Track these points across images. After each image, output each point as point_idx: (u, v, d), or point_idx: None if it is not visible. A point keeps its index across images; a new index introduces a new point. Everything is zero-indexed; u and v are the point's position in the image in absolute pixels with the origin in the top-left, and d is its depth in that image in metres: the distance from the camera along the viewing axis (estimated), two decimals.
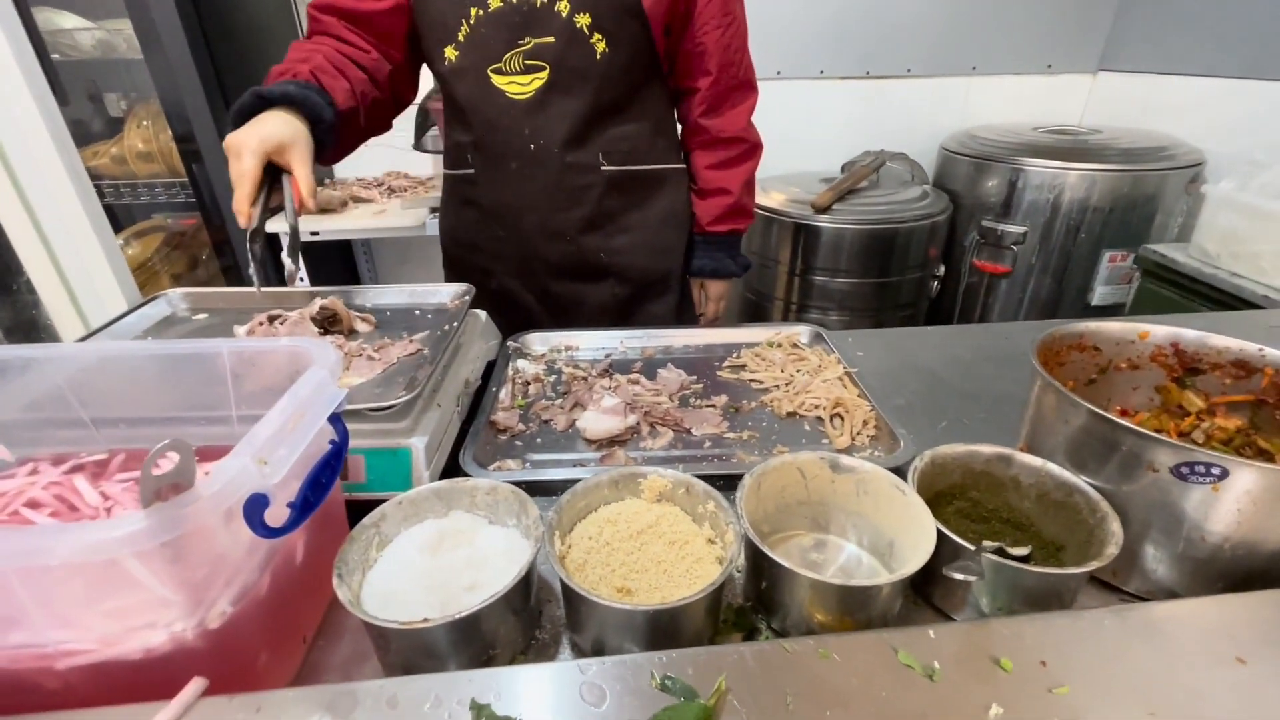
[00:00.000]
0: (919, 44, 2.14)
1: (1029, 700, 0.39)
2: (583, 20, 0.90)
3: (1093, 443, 0.54)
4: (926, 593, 0.54)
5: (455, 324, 0.75)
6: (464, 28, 0.92)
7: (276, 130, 0.77)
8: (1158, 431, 0.65)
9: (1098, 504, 0.52)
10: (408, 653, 0.46)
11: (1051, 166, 1.78)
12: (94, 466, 0.56)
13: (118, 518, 0.35)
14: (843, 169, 2.20)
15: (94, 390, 0.58)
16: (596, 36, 0.91)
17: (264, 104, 0.79)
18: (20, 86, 0.69)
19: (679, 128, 1.13)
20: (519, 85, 0.94)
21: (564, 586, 0.47)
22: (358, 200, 1.79)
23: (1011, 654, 0.41)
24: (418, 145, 1.87)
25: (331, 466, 0.48)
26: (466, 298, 0.83)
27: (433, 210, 1.75)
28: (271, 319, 0.74)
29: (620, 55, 0.93)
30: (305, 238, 1.65)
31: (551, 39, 0.91)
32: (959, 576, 0.46)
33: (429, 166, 2.14)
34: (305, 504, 0.44)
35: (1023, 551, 0.55)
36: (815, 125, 2.21)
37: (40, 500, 0.52)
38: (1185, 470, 0.48)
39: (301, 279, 0.69)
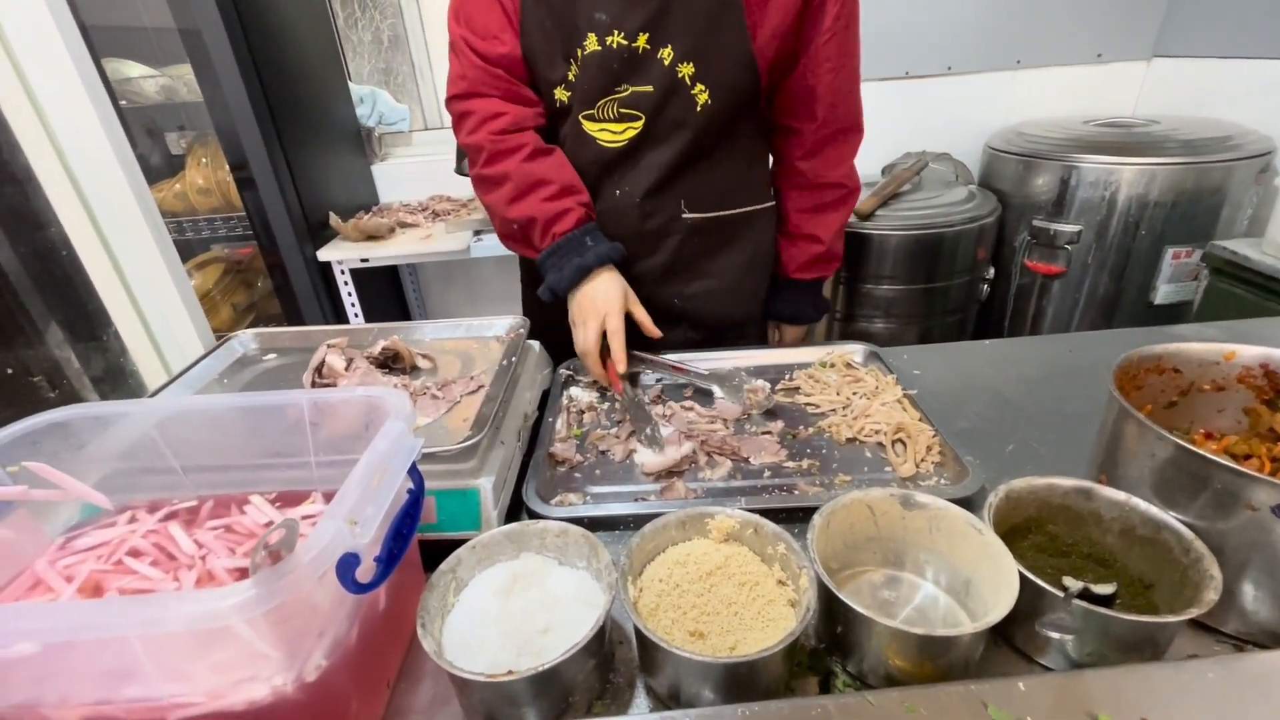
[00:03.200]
0: (959, 40, 2.08)
1: None
2: (685, 70, 0.85)
3: (1181, 477, 0.51)
4: (1008, 634, 0.53)
5: (513, 359, 0.77)
6: (573, 68, 0.88)
7: (620, 285, 0.88)
8: (1247, 456, 0.62)
9: (1191, 543, 0.49)
10: (491, 701, 0.47)
11: (1106, 162, 1.71)
12: (186, 513, 0.59)
13: (228, 587, 0.36)
14: (883, 172, 2.15)
15: (183, 440, 0.61)
16: (699, 88, 0.86)
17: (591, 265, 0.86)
18: (104, 145, 0.74)
19: (770, 160, 1.06)
20: (611, 133, 0.90)
21: (641, 635, 0.47)
22: (404, 226, 1.84)
23: (1110, 708, 0.40)
24: (459, 169, 1.92)
25: (411, 516, 0.50)
26: (522, 330, 0.85)
27: (476, 233, 1.78)
28: (319, 371, 0.75)
29: (722, 105, 0.88)
30: (355, 264, 1.71)
31: (650, 88, 0.86)
32: (1055, 635, 0.44)
33: (469, 189, 2.19)
34: (390, 556, 0.46)
35: (1108, 589, 0.53)
36: None
37: (141, 549, 0.55)
38: None
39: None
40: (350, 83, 2.02)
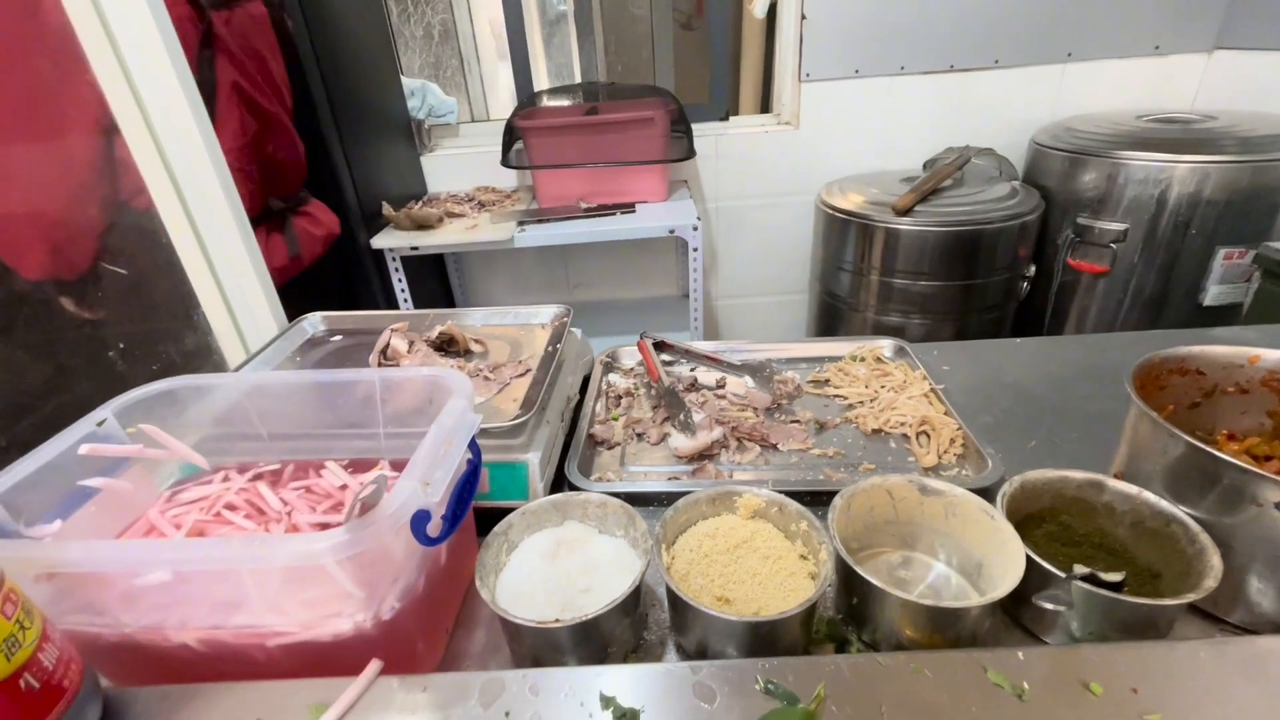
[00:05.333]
0: (1007, 33, 2.05)
1: None
2: None
3: (1192, 474, 0.54)
4: (1016, 614, 0.56)
5: (558, 345, 0.83)
6: None
7: None
8: (1267, 458, 0.64)
9: (1197, 535, 0.52)
10: (538, 647, 0.53)
11: (1158, 159, 1.67)
12: (270, 475, 0.67)
13: (324, 533, 0.43)
14: (925, 166, 2.14)
15: (268, 409, 0.68)
16: None
17: None
18: (193, 131, 0.82)
19: None
20: None
21: (673, 596, 0.52)
22: (451, 215, 1.92)
23: (1102, 679, 0.43)
24: (504, 161, 1.99)
25: (470, 483, 0.56)
26: (565, 319, 0.90)
27: (520, 223, 1.85)
28: (384, 353, 0.82)
29: None
30: (407, 253, 1.80)
31: None
32: (1048, 606, 0.48)
33: (513, 180, 2.26)
34: (454, 516, 0.52)
35: (1116, 578, 0.56)
36: (895, 123, 2.16)
37: (235, 504, 0.62)
38: None
39: None
40: (402, 76, 2.10)
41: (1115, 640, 0.50)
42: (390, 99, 2.02)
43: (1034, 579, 0.51)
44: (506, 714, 0.45)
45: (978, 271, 1.84)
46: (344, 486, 0.64)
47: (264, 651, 0.51)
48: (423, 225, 1.81)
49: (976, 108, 2.13)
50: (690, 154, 1.93)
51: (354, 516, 0.44)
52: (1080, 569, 0.53)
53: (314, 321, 0.95)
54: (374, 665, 0.48)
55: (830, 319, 2.15)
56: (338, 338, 0.94)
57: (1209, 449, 0.51)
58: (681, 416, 0.83)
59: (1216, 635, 0.54)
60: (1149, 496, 0.56)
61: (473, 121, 2.34)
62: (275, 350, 0.89)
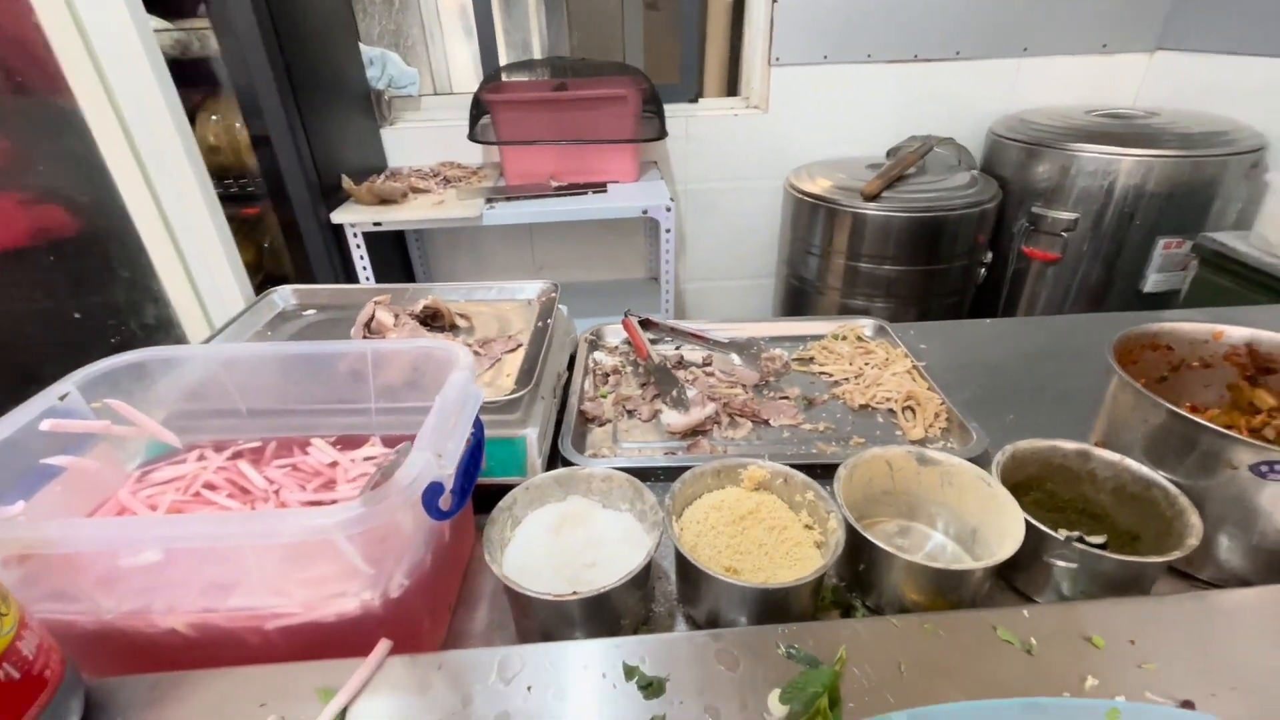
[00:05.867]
0: (968, 25, 2.11)
1: (1121, 673, 0.43)
2: None
3: (1171, 440, 0.57)
4: (1009, 576, 0.59)
5: (549, 320, 0.81)
6: None
7: None
8: (1228, 428, 0.68)
9: (1176, 498, 0.55)
10: (550, 621, 0.52)
11: (1106, 152, 1.76)
12: (251, 453, 0.63)
13: (335, 506, 0.41)
14: (888, 154, 2.19)
15: (248, 383, 0.64)
16: None
17: None
18: (156, 96, 0.75)
19: None
20: None
21: (686, 566, 0.52)
22: (416, 191, 1.85)
23: (1103, 633, 0.46)
24: (472, 136, 1.93)
25: (475, 458, 0.54)
26: (553, 294, 0.88)
27: (488, 200, 1.80)
28: (368, 326, 0.79)
29: None
30: (369, 228, 1.72)
31: None
32: (1060, 564, 0.50)
33: (479, 156, 2.19)
34: (463, 490, 0.50)
35: (1099, 540, 0.60)
36: (861, 110, 2.20)
37: (215, 483, 0.59)
38: (1264, 469, 0.51)
39: None
40: (360, 44, 2.00)
41: (1101, 598, 0.53)
42: (348, 66, 1.93)
43: (1028, 541, 0.53)
44: (529, 688, 0.44)
45: (939, 257, 1.90)
46: (334, 463, 0.61)
47: (260, 635, 0.48)
48: (386, 200, 1.73)
49: (938, 98, 2.19)
50: (662, 134, 1.92)
51: (372, 489, 0.42)
52: (1065, 533, 0.56)
53: (284, 295, 0.90)
54: (384, 644, 0.46)
55: (797, 302, 2.19)
56: (310, 312, 0.89)
57: (1190, 416, 0.54)
58: (674, 393, 0.82)
59: (1190, 591, 0.58)
60: (1130, 463, 0.59)
61: (435, 94, 2.25)
62: (243, 325, 0.84)
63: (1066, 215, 1.85)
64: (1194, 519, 0.53)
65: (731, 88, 2.45)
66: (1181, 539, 0.52)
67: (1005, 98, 2.19)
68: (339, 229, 1.73)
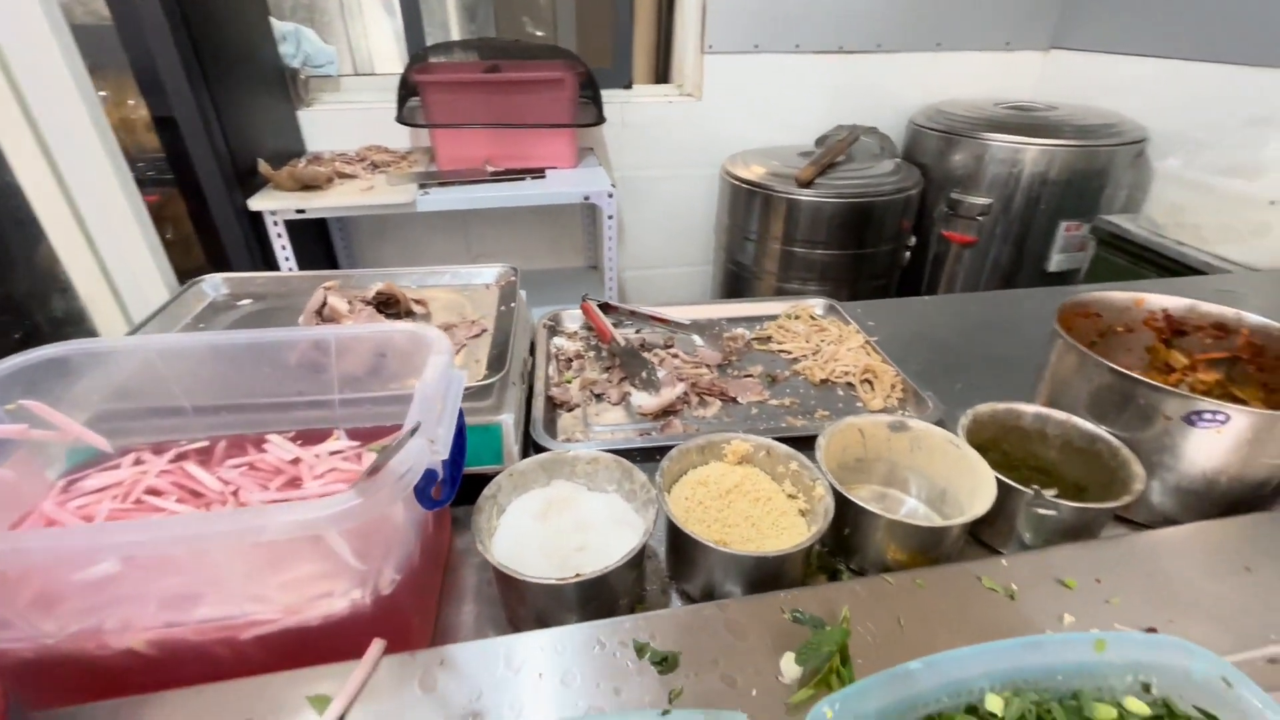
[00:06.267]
0: (888, 20, 2.20)
1: (1092, 609, 0.47)
2: None
3: (1113, 397, 0.62)
4: (976, 531, 0.62)
5: (512, 304, 0.78)
6: None
7: None
8: None
9: (1118, 449, 0.60)
10: (547, 606, 0.50)
11: (1014, 141, 1.89)
12: (197, 454, 0.57)
13: (328, 498, 0.37)
14: (817, 142, 2.26)
15: (190, 377, 0.58)
16: None
17: None
18: (58, 63, 0.66)
19: None
20: None
21: (681, 539, 0.52)
22: (342, 176, 1.74)
23: (1072, 575, 0.49)
24: (400, 117, 1.83)
25: (460, 445, 0.52)
26: (513, 278, 0.86)
27: (421, 185, 1.72)
28: (320, 312, 0.74)
29: None
30: (291, 216, 1.61)
31: None
32: (1043, 512, 0.54)
33: (406, 140, 2.09)
34: (453, 479, 0.48)
35: (1052, 493, 0.64)
36: (791, 99, 2.26)
37: (160, 488, 0.53)
38: (1195, 417, 0.57)
39: None
40: (271, 18, 1.85)
41: (1058, 544, 0.57)
42: (259, 41, 1.78)
43: (996, 499, 0.56)
44: (540, 675, 0.42)
45: (868, 241, 1.98)
46: (296, 460, 0.56)
47: (232, 648, 0.44)
48: (309, 185, 1.62)
49: (862, 88, 2.28)
50: (600, 119, 1.89)
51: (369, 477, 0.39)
52: (1022, 488, 0.60)
53: (215, 284, 0.82)
54: (378, 644, 0.44)
55: (735, 288, 2.23)
56: (246, 301, 0.82)
57: (1132, 374, 0.59)
58: (644, 374, 0.82)
59: (1130, 532, 0.63)
60: (1078, 421, 0.64)
61: (355, 75, 2.12)
62: (169, 316, 0.76)
63: (981, 200, 1.98)
64: (1137, 468, 0.58)
65: (659, 75, 2.45)
66: (1127, 486, 0.57)
67: (923, 89, 2.31)
68: (256, 217, 1.60)
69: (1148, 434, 0.60)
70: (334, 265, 2.20)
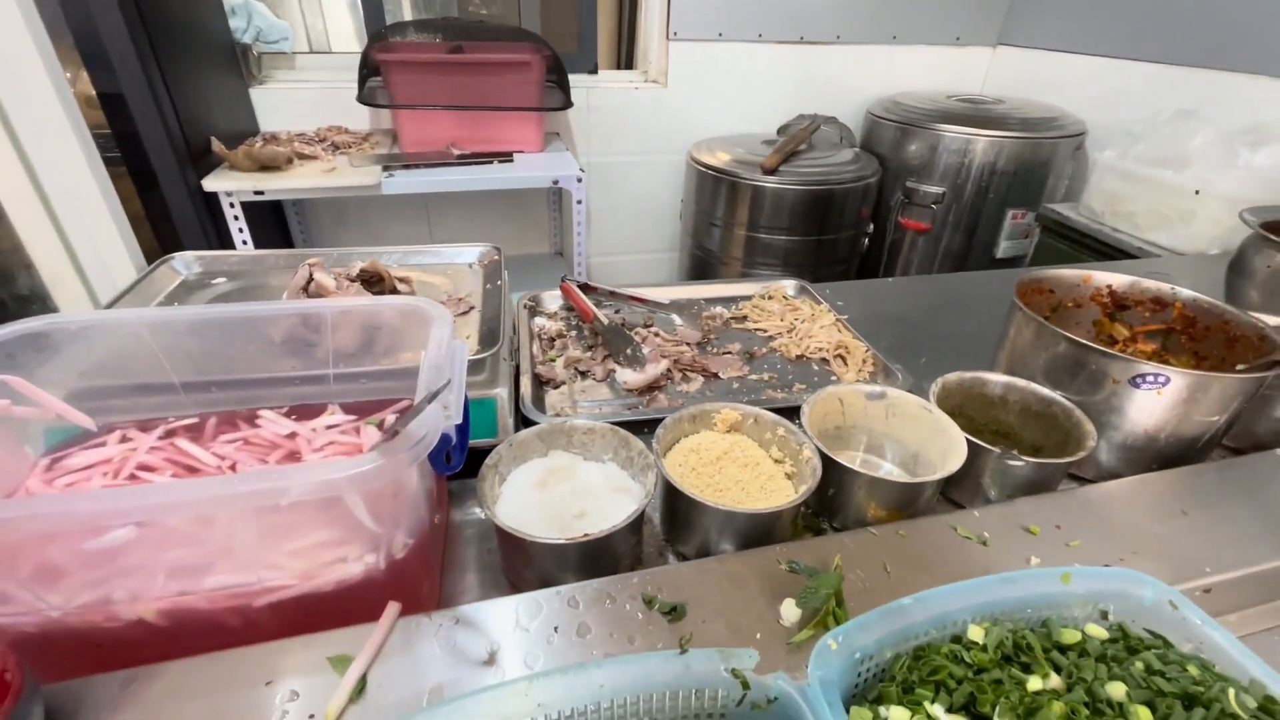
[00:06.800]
0: (847, 12, 2.26)
1: (1054, 552, 0.52)
2: None
3: (1067, 364, 0.68)
4: (945, 490, 0.67)
5: (499, 282, 0.79)
6: None
7: None
8: None
9: (1071, 411, 0.66)
10: (553, 569, 0.52)
11: (965, 133, 1.98)
12: (186, 431, 0.57)
13: (349, 459, 0.38)
14: (779, 131, 2.31)
15: (176, 354, 0.57)
16: None
17: None
18: (17, 21, 0.62)
19: None
20: None
21: (680, 500, 0.55)
22: (301, 157, 1.68)
23: (1036, 523, 0.54)
24: (361, 97, 1.79)
25: (466, 415, 0.53)
26: (496, 257, 0.86)
27: (385, 168, 1.69)
28: (306, 288, 0.73)
29: None
30: (249, 198, 1.55)
31: None
32: (1014, 463, 0.58)
33: (367, 121, 2.03)
34: (462, 446, 0.49)
35: (1013, 452, 0.69)
36: (754, 88, 2.30)
37: (152, 464, 0.52)
38: (1139, 380, 0.62)
39: None
40: None
41: (1020, 497, 0.62)
42: (205, 15, 1.70)
43: (966, 459, 0.61)
44: (555, 628, 0.44)
45: (829, 228, 2.05)
46: (293, 435, 0.56)
47: (244, 616, 0.44)
48: (268, 166, 1.57)
49: (822, 79, 2.34)
50: (568, 104, 1.89)
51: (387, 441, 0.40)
52: (992, 448, 0.65)
53: (186, 261, 0.80)
54: (394, 606, 0.45)
55: (702, 273, 2.26)
56: (220, 280, 0.80)
57: (1085, 342, 0.65)
58: (629, 351, 0.84)
59: (1082, 486, 0.69)
60: (1035, 387, 0.69)
61: (311, 52, 2.05)
62: (140, 294, 0.74)
63: (935, 189, 2.06)
64: (1089, 427, 0.63)
65: (622, 60, 2.45)
66: (1081, 444, 0.63)
67: (880, 81, 2.38)
68: (210, 198, 1.54)
69: (1097, 397, 0.66)
70: (290, 248, 2.13)
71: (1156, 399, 0.63)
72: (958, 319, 1.05)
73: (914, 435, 0.67)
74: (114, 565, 0.40)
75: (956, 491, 0.66)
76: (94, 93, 1.36)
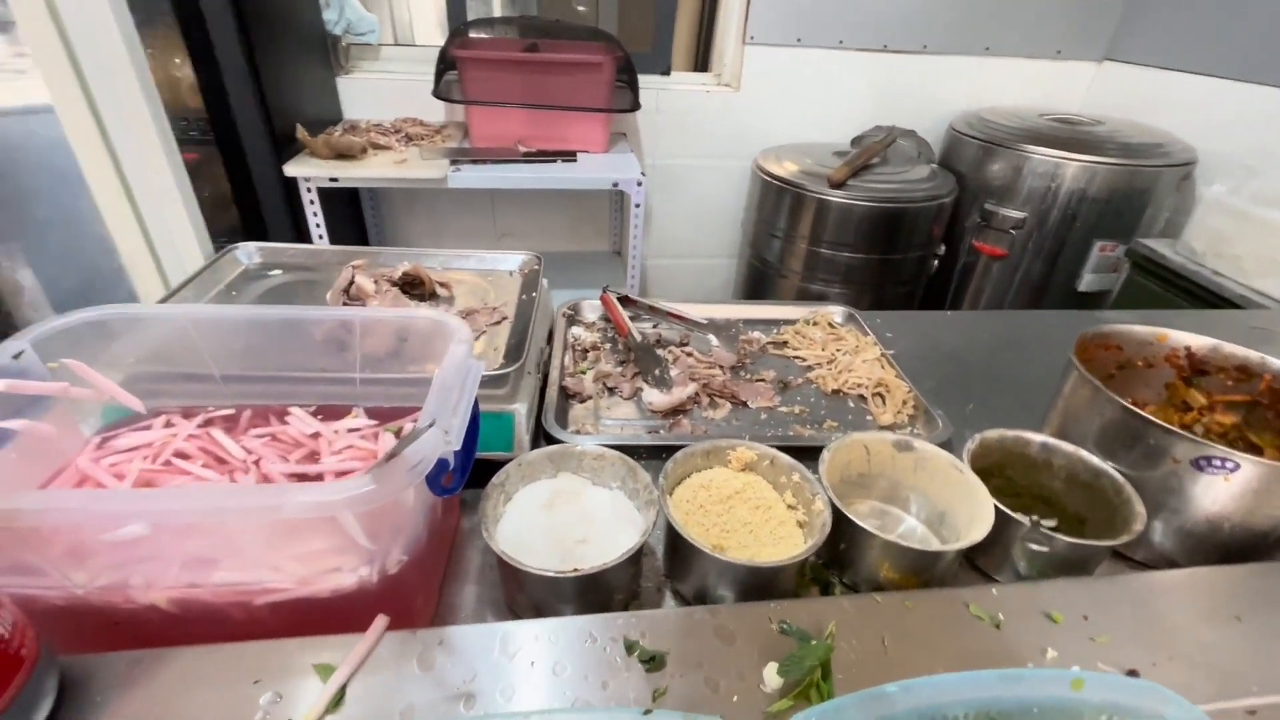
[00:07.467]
0: (936, 20, 2.15)
1: (1076, 645, 0.48)
2: None
3: (1122, 434, 0.62)
4: (971, 555, 0.63)
5: (534, 293, 0.80)
6: None
7: None
8: (1164, 421, 0.75)
9: (1123, 487, 0.60)
10: (545, 596, 0.52)
11: (1056, 155, 1.85)
12: (223, 421, 0.60)
13: (344, 481, 0.39)
14: (853, 142, 2.23)
15: (220, 348, 0.61)
16: None
17: None
18: (109, 22, 0.67)
19: None
20: None
21: (679, 542, 0.54)
22: (376, 147, 1.76)
23: (1060, 609, 0.50)
24: (436, 92, 1.84)
25: (473, 434, 0.54)
26: (536, 266, 0.87)
27: (453, 162, 1.73)
28: (347, 290, 0.76)
29: None
30: (325, 184, 1.63)
31: None
32: (1035, 548, 0.54)
33: (441, 114, 2.10)
34: (463, 468, 0.50)
35: (1051, 524, 0.65)
36: (830, 96, 2.23)
37: (188, 452, 0.56)
38: (1204, 463, 0.57)
39: None
40: None
41: (1053, 577, 0.58)
42: (302, 6, 1.80)
43: (994, 526, 0.57)
44: (532, 663, 0.44)
45: (897, 247, 1.96)
46: (316, 435, 0.59)
47: (247, 611, 0.47)
48: (344, 154, 1.64)
49: (903, 90, 2.24)
50: (635, 105, 1.89)
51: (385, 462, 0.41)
52: (1022, 517, 0.60)
53: (248, 252, 0.85)
54: (381, 620, 0.46)
55: (758, 284, 2.22)
56: (277, 272, 0.85)
57: (1143, 413, 0.59)
58: (657, 372, 0.83)
59: (1126, 571, 0.63)
60: (1084, 454, 0.64)
61: (396, 45, 2.13)
62: (204, 282, 0.79)
63: (1016, 213, 1.94)
64: (1139, 507, 0.58)
65: (698, 63, 2.43)
66: (1128, 524, 0.57)
67: (966, 95, 2.26)
68: (290, 183, 1.63)
69: (1154, 474, 0.60)
70: (363, 234, 2.23)
71: (1223, 485, 0.57)
72: (1018, 362, 0.99)
73: (942, 493, 0.64)
74: (132, 553, 0.43)
75: (984, 558, 0.62)
76: (191, 77, 1.46)
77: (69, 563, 0.43)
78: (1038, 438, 0.66)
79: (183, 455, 0.55)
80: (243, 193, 1.57)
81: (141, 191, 0.77)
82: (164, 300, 0.73)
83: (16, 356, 0.51)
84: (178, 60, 1.60)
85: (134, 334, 0.59)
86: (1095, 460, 0.63)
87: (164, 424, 0.59)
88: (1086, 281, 1.96)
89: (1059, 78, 2.29)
